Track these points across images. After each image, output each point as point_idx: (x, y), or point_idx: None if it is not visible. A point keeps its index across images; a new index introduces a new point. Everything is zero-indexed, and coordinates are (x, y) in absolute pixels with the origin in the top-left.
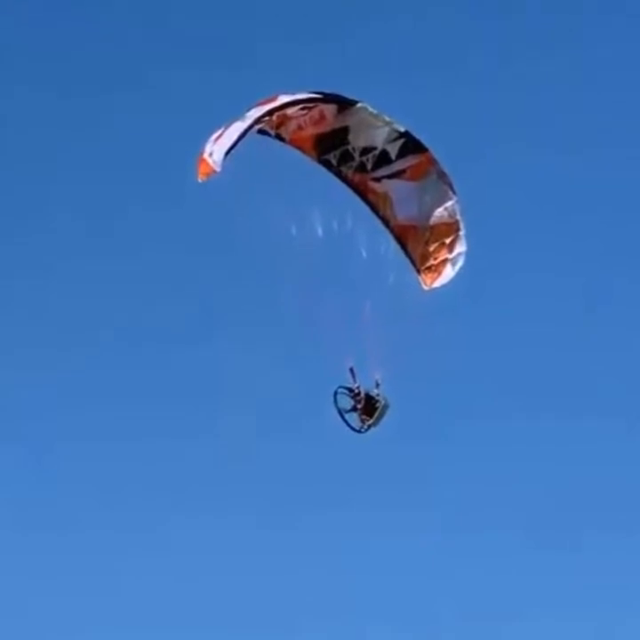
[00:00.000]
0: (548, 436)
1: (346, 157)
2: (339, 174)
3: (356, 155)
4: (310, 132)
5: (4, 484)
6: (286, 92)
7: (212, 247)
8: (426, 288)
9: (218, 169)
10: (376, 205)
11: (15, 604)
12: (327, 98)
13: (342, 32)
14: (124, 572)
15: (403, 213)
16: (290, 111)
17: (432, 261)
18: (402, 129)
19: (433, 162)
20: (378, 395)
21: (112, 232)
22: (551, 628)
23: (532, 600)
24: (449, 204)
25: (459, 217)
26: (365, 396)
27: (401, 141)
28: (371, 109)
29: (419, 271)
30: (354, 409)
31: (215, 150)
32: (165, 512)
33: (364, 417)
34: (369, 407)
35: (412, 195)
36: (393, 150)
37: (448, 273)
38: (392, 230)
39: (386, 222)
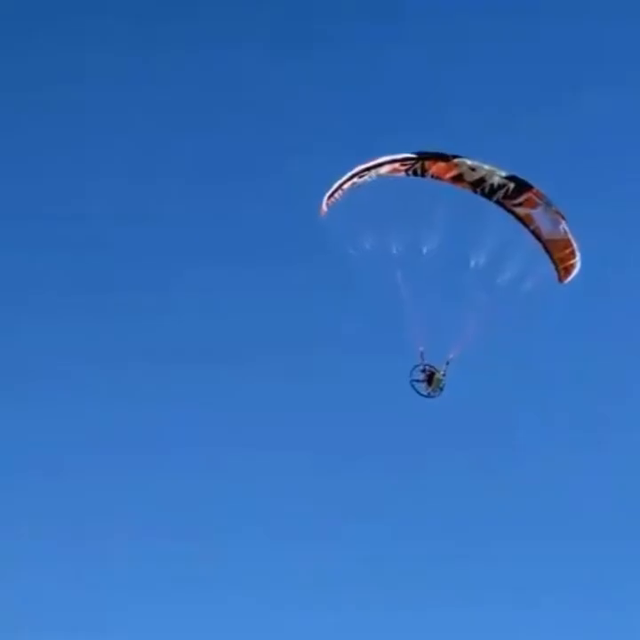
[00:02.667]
0: None
1: (491, 191)
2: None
3: (495, 189)
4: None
5: None
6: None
7: None
8: (564, 282)
9: (321, 213)
10: (526, 222)
11: None
12: (426, 155)
13: None
14: None
15: (545, 230)
16: (387, 168)
17: (567, 264)
18: (505, 173)
19: (539, 195)
20: (443, 374)
21: None
22: None
23: None
24: (562, 225)
25: (570, 235)
26: (429, 373)
27: (513, 183)
28: (469, 162)
29: (558, 271)
30: (422, 381)
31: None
32: None
33: (428, 387)
34: (433, 380)
35: (540, 218)
36: (511, 188)
37: (575, 272)
38: (544, 243)
39: (537, 235)
